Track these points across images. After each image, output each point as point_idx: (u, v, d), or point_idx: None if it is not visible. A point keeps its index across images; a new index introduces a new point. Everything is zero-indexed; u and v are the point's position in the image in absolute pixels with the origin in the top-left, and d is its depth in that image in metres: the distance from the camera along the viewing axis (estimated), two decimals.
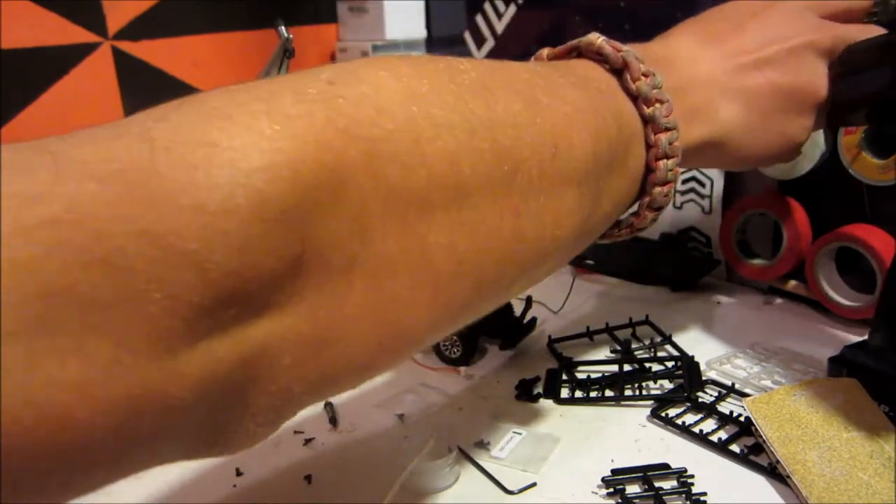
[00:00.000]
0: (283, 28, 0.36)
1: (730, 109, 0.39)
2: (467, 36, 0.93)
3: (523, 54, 0.89)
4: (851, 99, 0.43)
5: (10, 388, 0.16)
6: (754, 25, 0.41)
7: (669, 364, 0.50)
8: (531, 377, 0.50)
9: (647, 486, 0.38)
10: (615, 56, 0.35)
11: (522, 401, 0.48)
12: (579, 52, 0.37)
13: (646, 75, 0.35)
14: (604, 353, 0.54)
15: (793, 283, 0.60)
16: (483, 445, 0.43)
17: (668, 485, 0.38)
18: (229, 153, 0.20)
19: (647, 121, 0.35)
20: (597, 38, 0.35)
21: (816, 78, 0.42)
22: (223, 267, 0.19)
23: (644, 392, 0.48)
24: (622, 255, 0.68)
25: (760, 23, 0.41)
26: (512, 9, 0.85)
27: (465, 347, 0.52)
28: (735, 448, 0.41)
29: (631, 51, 0.35)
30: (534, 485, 0.39)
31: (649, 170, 0.36)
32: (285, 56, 0.37)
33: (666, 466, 0.39)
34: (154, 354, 0.18)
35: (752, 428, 0.40)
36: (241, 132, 0.21)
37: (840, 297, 0.56)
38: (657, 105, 0.35)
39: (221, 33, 0.94)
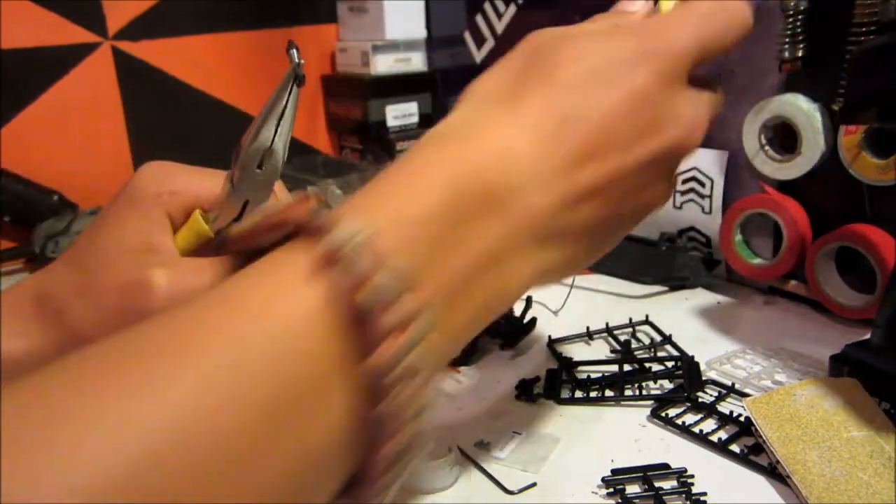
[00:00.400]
0: (294, 52, 0.35)
1: (552, 256, 0.30)
2: (467, 36, 0.93)
3: None
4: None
5: None
6: (620, 112, 0.29)
7: (669, 364, 0.50)
8: (531, 377, 0.50)
9: (647, 486, 0.38)
10: (354, 298, 0.22)
11: (522, 401, 0.48)
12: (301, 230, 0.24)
13: (409, 321, 0.22)
14: (604, 353, 0.54)
15: (793, 283, 0.60)
16: (483, 445, 0.43)
17: (668, 485, 0.38)
18: None
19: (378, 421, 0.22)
20: (349, 243, 0.22)
21: (659, 195, 0.33)
22: None
23: (644, 392, 0.48)
24: (622, 255, 0.68)
25: (617, 111, 0.29)
26: (512, 9, 0.85)
27: (465, 347, 0.52)
28: (735, 448, 0.41)
29: (398, 273, 0.22)
30: (534, 485, 0.39)
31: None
32: (295, 83, 0.35)
33: (666, 466, 0.39)
34: None
35: (752, 428, 0.40)
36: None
37: (840, 297, 0.56)
38: (398, 395, 0.22)
39: (221, 33, 0.94)
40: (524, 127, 0.28)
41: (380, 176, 0.27)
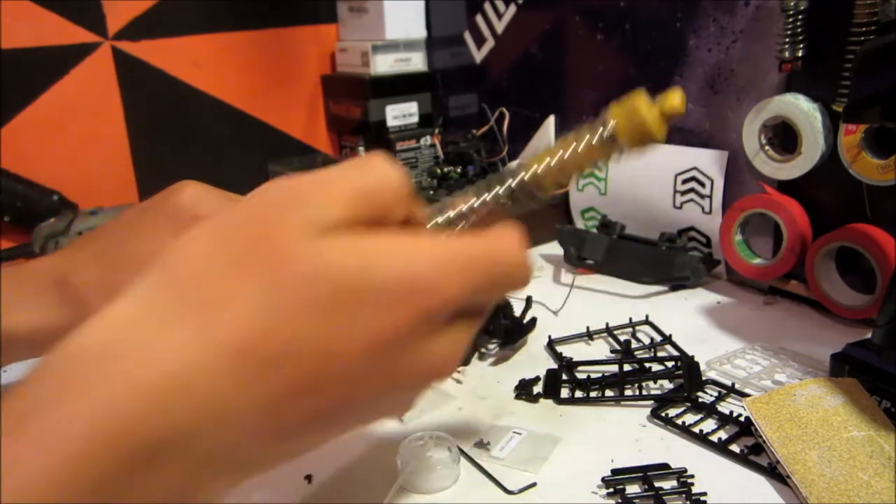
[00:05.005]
0: (361, 150, 0.35)
1: (254, 470, 0.25)
2: (467, 36, 0.93)
3: (523, 54, 0.89)
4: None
5: None
6: (346, 347, 0.23)
7: (669, 364, 0.50)
8: (531, 377, 0.50)
9: (647, 486, 0.38)
10: None
11: (522, 401, 0.48)
12: None
13: None
14: (604, 353, 0.54)
15: (793, 283, 0.60)
16: (483, 445, 0.43)
17: (668, 485, 0.38)
18: None
19: None
20: None
21: (394, 412, 0.29)
22: None
23: (644, 392, 0.48)
24: (622, 255, 0.68)
25: (359, 347, 0.23)
26: (512, 9, 0.85)
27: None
28: (735, 448, 0.41)
29: None
30: (534, 485, 0.39)
31: None
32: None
33: (666, 466, 0.39)
34: None
35: (752, 428, 0.40)
36: None
37: (840, 296, 0.56)
38: None
39: (221, 33, 0.93)
40: (218, 352, 0.21)
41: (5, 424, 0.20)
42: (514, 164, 0.28)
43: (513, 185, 0.30)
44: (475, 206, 0.30)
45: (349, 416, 0.25)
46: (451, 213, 0.30)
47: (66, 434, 0.19)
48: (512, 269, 0.27)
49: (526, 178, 0.30)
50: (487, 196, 0.30)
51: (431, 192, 0.85)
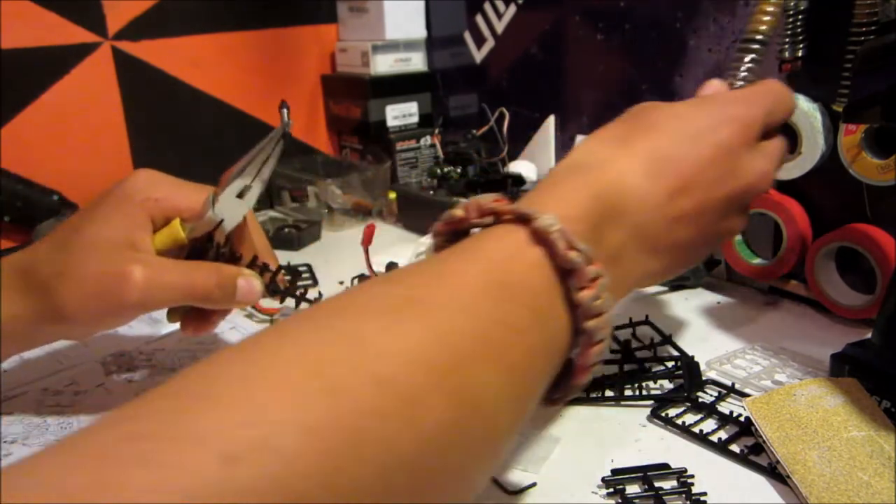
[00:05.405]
0: (285, 112, 0.43)
1: (654, 265, 0.38)
2: (467, 36, 0.93)
3: (523, 54, 0.89)
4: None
5: None
6: (706, 159, 0.38)
7: (669, 364, 0.50)
8: None
9: (647, 486, 0.38)
10: (565, 258, 0.31)
11: None
12: (519, 219, 0.33)
13: (594, 279, 0.32)
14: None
15: (793, 283, 0.60)
16: None
17: (668, 485, 0.38)
18: None
19: (581, 332, 0.33)
20: (552, 228, 0.31)
21: (735, 225, 0.42)
22: None
23: (644, 392, 0.48)
24: None
25: (704, 159, 0.38)
26: (512, 9, 0.85)
27: None
28: (735, 448, 0.41)
29: (584, 251, 0.32)
30: (534, 485, 0.39)
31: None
32: (282, 139, 0.45)
33: (666, 466, 0.39)
34: None
35: (752, 428, 0.40)
36: None
37: (840, 297, 0.56)
38: (597, 319, 0.32)
39: (221, 33, 0.93)
40: (634, 163, 0.37)
41: (537, 189, 0.36)
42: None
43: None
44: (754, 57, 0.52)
45: (706, 222, 0.39)
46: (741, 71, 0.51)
47: (574, 196, 0.34)
48: (785, 97, 0.43)
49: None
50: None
51: (431, 193, 0.85)
